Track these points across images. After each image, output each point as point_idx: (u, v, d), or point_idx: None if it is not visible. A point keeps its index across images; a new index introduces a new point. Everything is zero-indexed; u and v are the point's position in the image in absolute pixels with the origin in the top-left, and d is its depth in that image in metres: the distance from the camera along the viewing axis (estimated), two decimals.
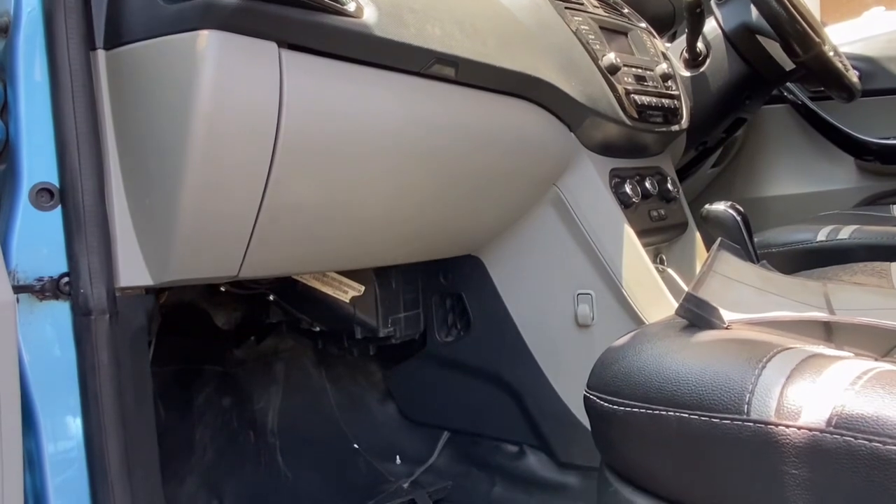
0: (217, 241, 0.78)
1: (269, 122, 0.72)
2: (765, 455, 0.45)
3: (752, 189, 1.78)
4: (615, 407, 0.54)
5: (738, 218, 1.06)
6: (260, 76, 0.70)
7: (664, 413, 0.50)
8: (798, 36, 1.23)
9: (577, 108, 1.04)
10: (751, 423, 0.46)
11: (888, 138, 1.67)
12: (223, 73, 0.68)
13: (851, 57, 1.64)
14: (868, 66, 1.69)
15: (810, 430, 0.43)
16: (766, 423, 0.45)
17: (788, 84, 1.73)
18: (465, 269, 1.22)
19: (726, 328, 0.57)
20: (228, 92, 0.68)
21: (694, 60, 1.39)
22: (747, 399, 0.46)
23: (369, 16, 0.77)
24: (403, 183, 0.91)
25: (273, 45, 0.71)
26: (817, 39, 1.26)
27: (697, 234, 1.33)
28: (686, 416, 0.49)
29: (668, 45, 1.49)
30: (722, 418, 0.47)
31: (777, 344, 0.51)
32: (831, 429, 0.43)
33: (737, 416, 0.46)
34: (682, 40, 1.42)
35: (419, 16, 0.84)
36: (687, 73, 1.39)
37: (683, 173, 1.55)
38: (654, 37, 1.36)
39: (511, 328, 1.20)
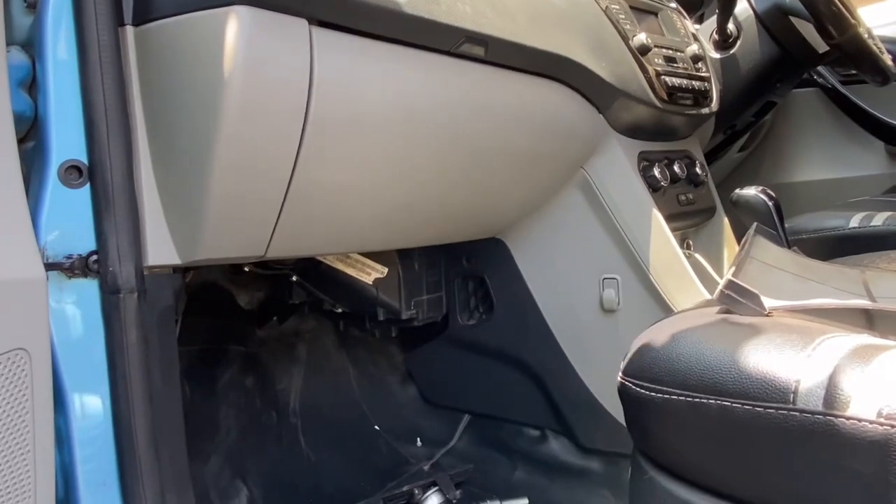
0: (245, 220, 0.77)
1: (299, 100, 0.71)
2: (811, 446, 0.44)
3: (779, 174, 1.75)
4: (653, 394, 0.53)
5: (770, 203, 1.04)
6: (291, 53, 0.69)
7: (706, 401, 0.49)
8: (833, 17, 1.20)
9: (607, 90, 1.03)
10: (797, 413, 0.45)
11: None
12: (254, 50, 0.67)
13: (884, 40, 1.59)
14: None
15: (860, 420, 0.42)
16: (814, 413, 0.44)
17: (818, 67, 1.70)
18: (488, 252, 1.21)
19: (767, 315, 0.55)
20: (259, 69, 0.67)
21: (724, 42, 1.36)
22: (794, 388, 0.45)
23: None
24: (431, 163, 0.90)
25: (304, 22, 0.69)
26: (852, 21, 1.22)
27: (725, 220, 1.31)
28: (729, 404, 0.48)
29: (696, 26, 1.46)
30: (767, 407, 0.46)
31: (822, 332, 0.50)
32: (882, 420, 0.42)
33: (783, 406, 0.45)
34: (712, 21, 1.39)
35: None
36: (717, 55, 1.36)
37: (710, 157, 1.52)
38: (685, 17, 1.33)
39: (534, 312, 1.19)
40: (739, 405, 0.47)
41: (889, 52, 1.50)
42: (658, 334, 0.58)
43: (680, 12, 1.31)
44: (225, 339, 1.21)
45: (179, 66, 0.70)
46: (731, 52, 1.36)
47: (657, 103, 1.08)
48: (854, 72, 1.68)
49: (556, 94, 0.99)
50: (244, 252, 0.81)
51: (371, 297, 1.18)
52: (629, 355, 0.60)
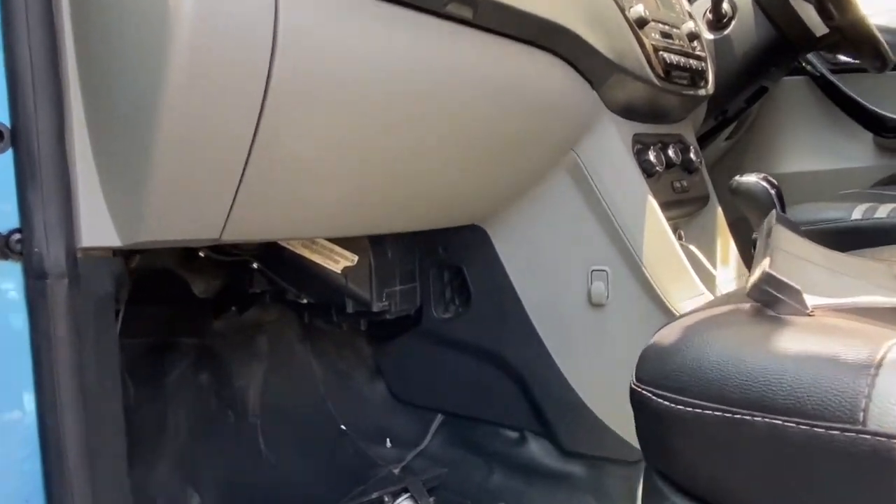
0: (197, 197, 0.67)
1: (260, 59, 0.61)
2: (886, 475, 0.36)
3: (765, 165, 1.69)
4: (680, 407, 0.45)
5: (772, 191, 0.98)
6: (251, 3, 0.59)
7: (749, 418, 0.41)
8: None
9: (603, 64, 0.94)
10: (868, 436, 0.37)
11: None
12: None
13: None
14: (891, 38, 1.60)
15: None
16: (891, 437, 0.36)
17: (808, 55, 1.64)
18: (467, 241, 1.12)
19: (810, 314, 0.48)
20: (213, 21, 0.57)
21: (718, 22, 1.28)
22: (863, 405, 0.37)
23: None
24: (408, 138, 0.80)
25: None
26: (854, 1, 1.16)
27: (719, 209, 1.24)
28: (780, 423, 0.39)
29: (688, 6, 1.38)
30: (829, 428, 0.38)
31: (885, 336, 0.42)
32: None
33: (849, 427, 0.37)
34: (704, 0, 1.32)
35: None
36: (710, 36, 1.29)
37: (699, 143, 1.45)
38: None
39: (516, 305, 1.10)
40: (793, 425, 0.39)
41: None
42: (680, 334, 0.50)
43: None
44: (177, 331, 1.10)
45: (120, 15, 0.59)
46: (725, 32, 1.29)
47: (654, 81, 1.00)
48: (844, 60, 1.63)
49: (548, 66, 0.90)
50: (196, 234, 0.71)
51: (339, 287, 1.08)
52: (644, 358, 0.51)
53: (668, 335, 0.52)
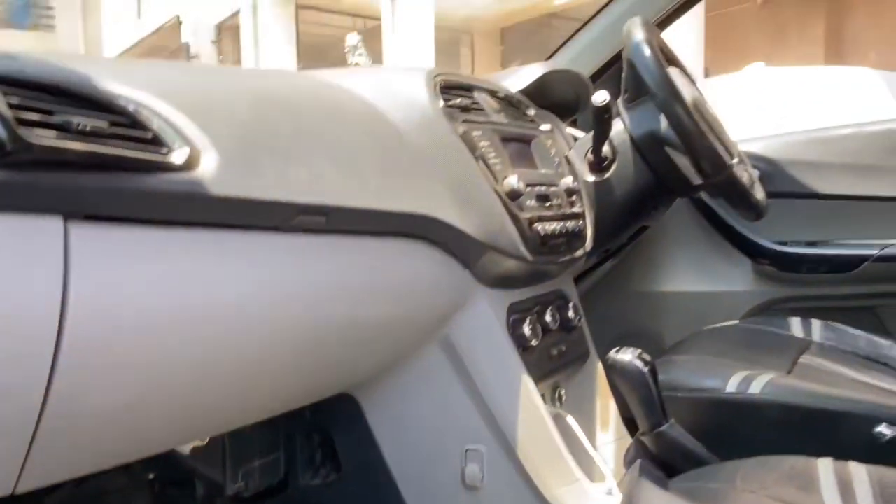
0: None
1: (45, 319, 0.51)
2: None
3: (648, 283, 1.69)
4: None
5: (646, 370, 0.94)
6: (28, 262, 0.49)
7: None
8: (709, 155, 1.14)
9: (474, 246, 0.89)
10: None
11: (785, 243, 1.62)
12: None
13: (750, 156, 1.58)
14: (767, 166, 1.65)
15: None
16: None
17: None
18: (336, 408, 1.03)
19: None
20: None
21: (599, 165, 1.27)
22: None
23: (207, 166, 0.58)
24: (254, 352, 0.72)
25: (56, 221, 0.50)
26: (729, 161, 1.17)
27: (599, 366, 1.21)
28: None
29: (572, 131, 1.38)
30: None
31: None
32: None
33: None
34: (587, 138, 1.30)
35: (280, 156, 0.66)
36: (591, 178, 1.27)
37: (582, 276, 1.43)
38: (560, 135, 1.23)
39: (388, 481, 1.02)
40: None
41: (755, 167, 1.49)
42: None
43: (554, 133, 1.21)
44: None
45: None
46: (606, 176, 1.27)
47: (529, 257, 0.95)
48: None
49: (416, 253, 0.84)
50: None
51: (187, 469, 0.97)
52: None
53: None
